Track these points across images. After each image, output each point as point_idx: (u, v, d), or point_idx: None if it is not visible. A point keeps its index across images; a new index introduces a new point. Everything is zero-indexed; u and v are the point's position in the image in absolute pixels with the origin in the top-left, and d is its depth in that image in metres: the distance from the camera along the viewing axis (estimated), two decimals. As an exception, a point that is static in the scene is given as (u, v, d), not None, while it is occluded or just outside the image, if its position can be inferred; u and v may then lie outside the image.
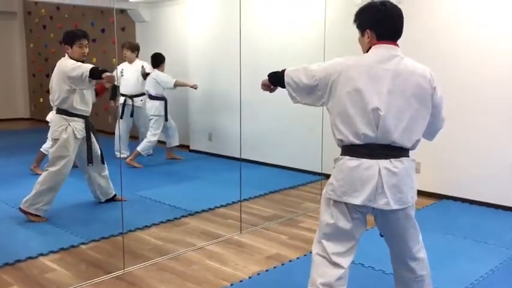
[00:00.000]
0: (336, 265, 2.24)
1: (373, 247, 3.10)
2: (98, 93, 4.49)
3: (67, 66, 4.15)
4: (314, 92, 2.31)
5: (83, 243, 3.73)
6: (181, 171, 6.22)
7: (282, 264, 3.39)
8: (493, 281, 3.12)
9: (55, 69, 4.29)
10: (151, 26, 8.06)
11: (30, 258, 3.45)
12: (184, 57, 7.41)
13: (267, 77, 2.58)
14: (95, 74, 4.02)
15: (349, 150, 2.20)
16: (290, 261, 3.45)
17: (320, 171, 5.30)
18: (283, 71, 2.45)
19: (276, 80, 2.52)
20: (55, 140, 4.24)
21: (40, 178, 4.24)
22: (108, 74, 4.01)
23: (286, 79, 2.42)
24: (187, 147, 7.52)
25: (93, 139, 4.40)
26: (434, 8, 4.85)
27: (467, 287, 3.02)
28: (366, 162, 2.15)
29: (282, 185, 5.47)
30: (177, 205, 4.69)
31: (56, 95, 4.23)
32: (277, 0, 6.16)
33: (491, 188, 4.63)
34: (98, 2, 7.48)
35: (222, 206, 4.72)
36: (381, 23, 2.21)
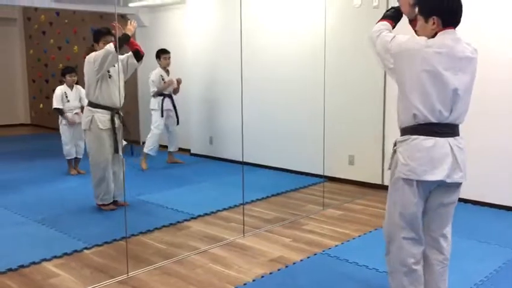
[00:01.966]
0: (421, 241, 2.48)
1: (376, 249, 3.10)
2: (137, 54, 4.57)
3: (91, 55, 4.42)
4: (385, 59, 2.44)
5: (86, 248, 3.72)
6: (183, 175, 6.22)
7: (286, 267, 3.38)
8: (498, 282, 3.12)
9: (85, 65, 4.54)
10: (151, 31, 8.08)
11: (34, 263, 3.44)
12: (184, 61, 7.42)
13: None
14: (120, 42, 4.27)
15: (421, 129, 2.33)
16: (294, 263, 3.44)
17: (322, 174, 5.30)
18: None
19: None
20: (84, 131, 4.53)
21: None
22: (128, 27, 4.38)
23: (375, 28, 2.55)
24: (188, 151, 7.52)
25: (120, 131, 4.57)
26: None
27: (471, 287, 3.02)
28: (439, 140, 2.32)
29: (284, 188, 5.46)
30: (180, 209, 4.69)
31: (85, 87, 4.54)
32: (278, 4, 6.18)
33: (493, 188, 4.62)
34: (98, 8, 7.51)
35: (224, 209, 4.71)
36: (448, 12, 2.34)
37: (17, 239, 3.95)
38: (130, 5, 7.57)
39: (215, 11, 6.95)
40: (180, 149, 6.94)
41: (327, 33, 4.98)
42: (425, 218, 2.50)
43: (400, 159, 2.39)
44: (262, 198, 5.12)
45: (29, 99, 11.45)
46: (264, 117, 6.37)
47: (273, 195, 5.23)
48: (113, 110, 4.48)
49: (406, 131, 2.41)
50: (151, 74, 6.44)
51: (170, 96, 6.50)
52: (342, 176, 5.73)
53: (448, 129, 2.35)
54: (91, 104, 4.47)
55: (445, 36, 2.33)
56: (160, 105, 6.40)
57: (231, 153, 6.67)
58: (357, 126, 5.52)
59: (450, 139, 2.34)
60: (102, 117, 4.42)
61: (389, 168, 2.53)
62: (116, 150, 4.52)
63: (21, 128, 11.13)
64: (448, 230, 2.54)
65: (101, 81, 4.42)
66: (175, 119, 6.59)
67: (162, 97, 6.42)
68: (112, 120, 4.48)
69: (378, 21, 2.61)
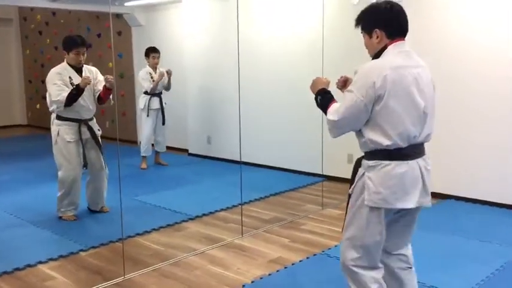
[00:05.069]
0: (380, 267, 2.30)
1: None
2: (102, 100, 4.36)
3: (54, 73, 4.25)
4: (363, 114, 2.14)
5: (82, 250, 3.68)
6: (181, 175, 6.17)
7: (285, 268, 3.34)
8: (499, 281, 3.08)
9: None
10: (147, 30, 8.03)
11: (29, 266, 3.40)
12: (180, 61, 7.37)
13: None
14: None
15: (392, 154, 2.14)
16: (293, 264, 3.41)
17: (321, 173, 5.26)
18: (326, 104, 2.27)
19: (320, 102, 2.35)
20: (54, 145, 4.29)
21: None
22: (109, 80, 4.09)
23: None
24: (186, 150, 7.48)
25: (91, 144, 4.35)
26: (432, 7, 4.83)
27: (473, 287, 2.98)
28: (411, 164, 2.16)
29: (282, 188, 5.42)
30: (177, 209, 4.64)
31: (47, 100, 4.30)
32: (275, 3, 6.13)
33: (494, 187, 4.59)
34: (93, 7, 7.46)
35: (222, 209, 4.67)
36: (391, 21, 2.21)
37: (12, 241, 3.91)
38: (126, 4, 7.52)
39: (212, 9, 6.90)
40: (178, 149, 6.90)
41: (325, 32, 4.94)
42: (390, 237, 2.32)
43: (370, 186, 2.16)
44: (261, 198, 5.08)
45: (26, 100, 11.39)
46: (262, 116, 6.33)
47: (271, 195, 5.19)
48: (80, 122, 4.27)
49: (374, 155, 2.18)
50: (140, 73, 6.39)
51: (158, 95, 6.40)
52: (341, 175, 5.68)
53: (418, 150, 2.19)
54: (57, 117, 4.25)
55: (397, 51, 2.17)
56: (146, 105, 6.35)
57: (229, 153, 6.63)
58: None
59: (419, 160, 2.19)
60: (69, 130, 4.22)
61: (351, 192, 2.31)
62: (85, 164, 4.32)
63: (17, 129, 11.07)
64: (410, 240, 2.39)
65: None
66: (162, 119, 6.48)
67: (149, 96, 6.35)
68: (80, 132, 4.26)
69: (328, 108, 2.24)
